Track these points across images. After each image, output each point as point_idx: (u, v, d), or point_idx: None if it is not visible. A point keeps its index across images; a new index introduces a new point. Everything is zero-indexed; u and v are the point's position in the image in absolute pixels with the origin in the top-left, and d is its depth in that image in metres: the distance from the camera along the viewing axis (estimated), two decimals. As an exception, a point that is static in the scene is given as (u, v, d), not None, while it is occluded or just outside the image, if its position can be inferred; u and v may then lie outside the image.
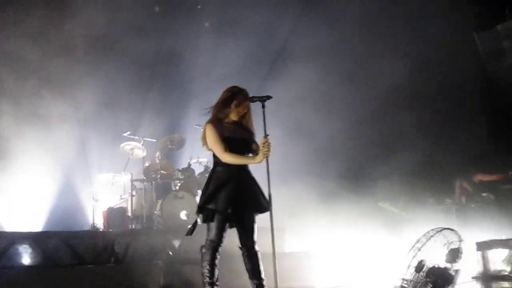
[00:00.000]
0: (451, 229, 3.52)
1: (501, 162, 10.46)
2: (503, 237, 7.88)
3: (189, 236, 4.76)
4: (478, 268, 7.00)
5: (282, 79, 10.46)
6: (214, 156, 4.80)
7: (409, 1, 10.63)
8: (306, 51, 10.75)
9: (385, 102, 10.99)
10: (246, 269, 4.78)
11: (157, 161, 9.17)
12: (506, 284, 6.47)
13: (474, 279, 6.89)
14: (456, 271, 3.54)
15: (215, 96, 4.99)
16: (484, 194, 9.93)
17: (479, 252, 7.01)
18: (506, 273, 6.75)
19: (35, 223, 8.54)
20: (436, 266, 3.42)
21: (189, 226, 4.78)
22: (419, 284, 3.40)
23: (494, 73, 9.85)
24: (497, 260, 6.91)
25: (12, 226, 8.29)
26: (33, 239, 7.16)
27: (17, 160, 8.62)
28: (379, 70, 10.86)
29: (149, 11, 11.21)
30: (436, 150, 11.26)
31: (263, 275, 4.70)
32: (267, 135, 4.61)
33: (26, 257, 6.96)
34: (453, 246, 3.48)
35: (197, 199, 8.89)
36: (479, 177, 10.12)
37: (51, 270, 6.70)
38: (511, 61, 9.62)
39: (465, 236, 8.71)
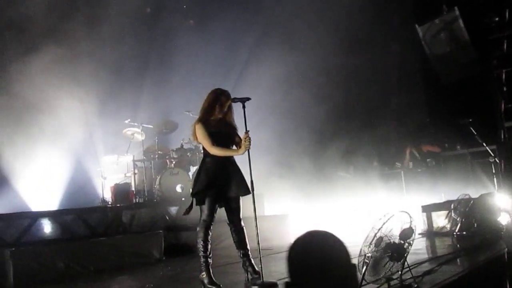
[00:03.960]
0: (405, 211, 3.50)
1: (438, 132, 10.56)
2: (443, 198, 7.98)
3: (187, 215, 4.68)
4: (423, 227, 7.10)
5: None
6: (203, 149, 4.71)
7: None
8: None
9: (345, 87, 10.96)
10: (234, 241, 4.74)
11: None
12: (447, 239, 6.58)
13: (421, 235, 7.00)
14: (409, 243, 3.53)
15: (199, 87, 4.84)
16: (428, 160, 10.04)
17: (424, 213, 7.10)
18: (446, 230, 6.86)
19: (53, 202, 8.37)
20: (392, 242, 3.42)
21: (186, 208, 4.67)
22: (378, 258, 3.41)
23: (433, 59, 9.77)
24: (439, 219, 7.01)
25: (34, 205, 8.12)
26: (52, 216, 7.08)
27: (35, 147, 8.37)
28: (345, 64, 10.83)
29: (142, 10, 10.89)
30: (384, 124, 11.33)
31: (248, 246, 4.68)
32: (248, 131, 4.51)
33: (47, 232, 6.87)
34: (405, 226, 3.47)
35: (190, 174, 8.84)
36: (426, 147, 10.20)
37: (68, 243, 6.63)
38: (447, 48, 9.54)
39: (411, 198, 8.84)
